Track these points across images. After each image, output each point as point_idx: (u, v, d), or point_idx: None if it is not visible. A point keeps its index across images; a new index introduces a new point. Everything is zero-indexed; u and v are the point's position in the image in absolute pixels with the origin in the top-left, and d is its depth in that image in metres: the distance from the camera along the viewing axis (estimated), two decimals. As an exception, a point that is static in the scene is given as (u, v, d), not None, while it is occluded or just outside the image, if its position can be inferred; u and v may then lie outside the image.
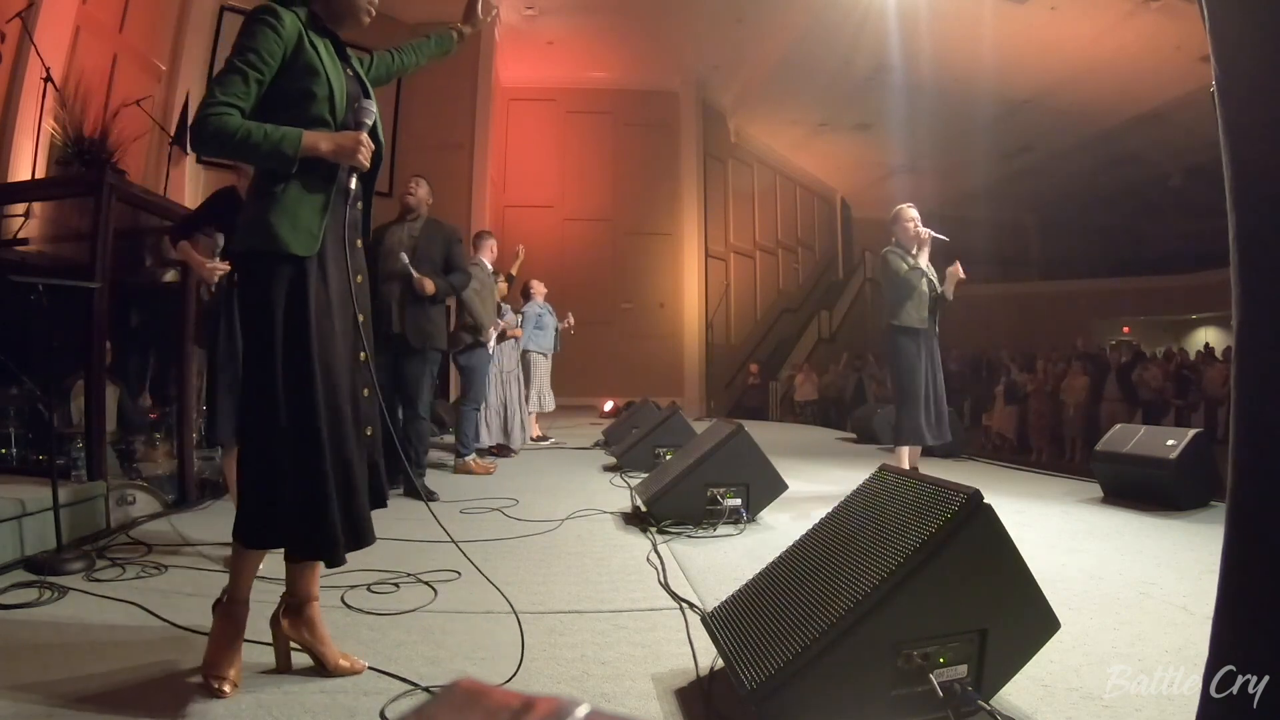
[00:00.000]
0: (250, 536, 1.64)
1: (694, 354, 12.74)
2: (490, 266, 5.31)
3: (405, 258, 3.94)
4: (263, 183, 1.64)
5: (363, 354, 1.75)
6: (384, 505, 1.78)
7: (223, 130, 1.52)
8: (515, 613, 1.96)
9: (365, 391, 1.73)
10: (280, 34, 1.59)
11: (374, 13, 1.79)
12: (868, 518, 1.71)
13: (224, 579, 2.38)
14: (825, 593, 1.54)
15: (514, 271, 6.71)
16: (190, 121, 1.59)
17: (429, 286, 3.96)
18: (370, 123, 1.68)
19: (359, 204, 1.79)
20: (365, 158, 1.64)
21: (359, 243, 1.80)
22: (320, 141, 1.60)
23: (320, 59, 1.65)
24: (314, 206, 1.62)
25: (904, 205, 4.28)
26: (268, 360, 1.59)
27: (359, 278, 1.78)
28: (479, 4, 2.19)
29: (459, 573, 2.50)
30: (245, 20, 1.62)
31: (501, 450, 5.85)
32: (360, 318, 1.76)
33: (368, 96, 1.77)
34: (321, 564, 1.80)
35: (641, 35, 11.20)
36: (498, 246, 5.47)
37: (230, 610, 1.67)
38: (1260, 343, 1.08)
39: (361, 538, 1.68)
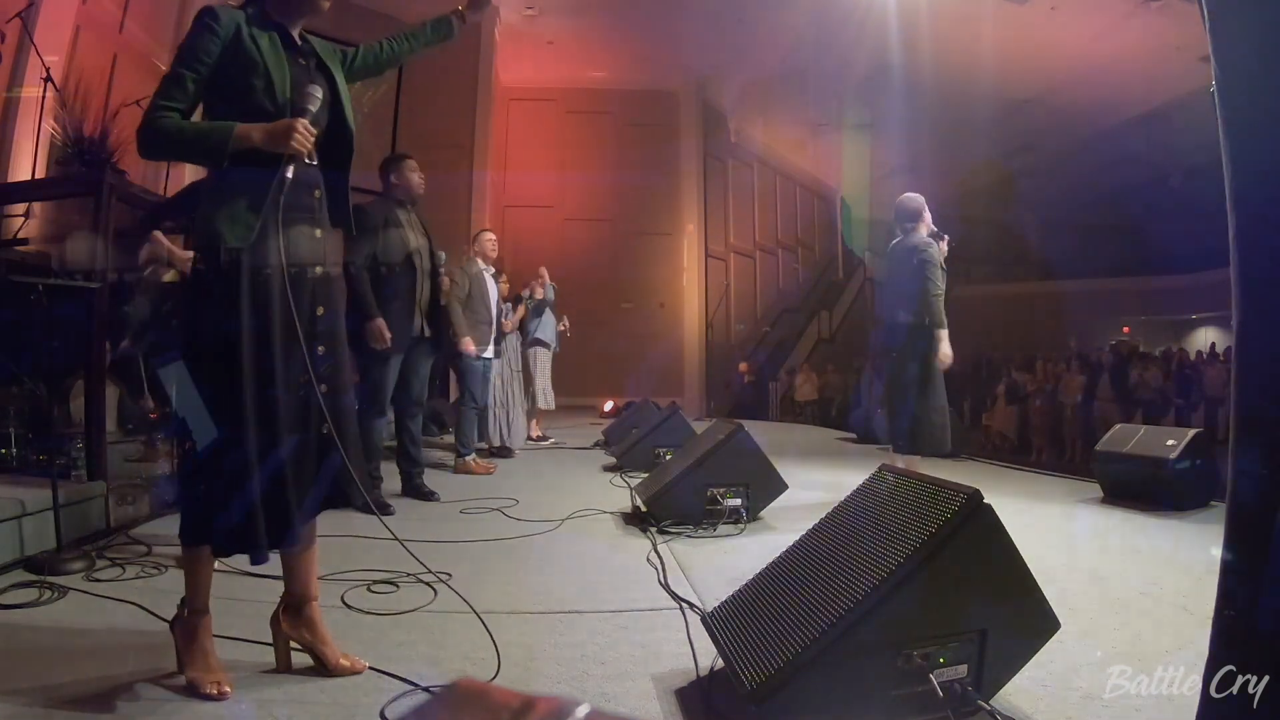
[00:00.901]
0: (184, 533, 1.64)
1: (694, 354, 12.74)
2: (487, 266, 5.26)
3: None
4: (209, 179, 1.67)
5: (321, 348, 1.71)
6: (345, 505, 1.75)
7: (160, 132, 1.57)
8: (476, 613, 1.95)
9: (324, 387, 1.70)
10: (217, 32, 1.63)
11: None
12: (868, 518, 1.71)
13: (224, 579, 2.39)
14: (825, 593, 1.54)
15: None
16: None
17: (447, 286, 3.93)
18: (313, 108, 1.66)
19: (316, 192, 1.75)
20: (300, 143, 1.62)
21: (318, 233, 1.75)
22: (253, 132, 1.60)
23: (259, 51, 1.65)
24: (252, 197, 1.61)
25: (918, 194, 4.15)
26: (198, 356, 1.60)
27: (318, 269, 1.73)
28: None
29: (449, 574, 2.51)
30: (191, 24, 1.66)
31: (501, 451, 5.85)
32: (320, 310, 1.72)
33: (331, 85, 1.76)
34: (317, 564, 1.80)
35: (641, 35, 11.20)
36: (497, 243, 5.40)
37: (192, 622, 1.66)
38: (1260, 343, 1.08)
39: (281, 538, 1.65)
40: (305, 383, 1.67)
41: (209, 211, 1.63)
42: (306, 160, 1.70)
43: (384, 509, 3.56)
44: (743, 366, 13.64)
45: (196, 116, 1.65)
